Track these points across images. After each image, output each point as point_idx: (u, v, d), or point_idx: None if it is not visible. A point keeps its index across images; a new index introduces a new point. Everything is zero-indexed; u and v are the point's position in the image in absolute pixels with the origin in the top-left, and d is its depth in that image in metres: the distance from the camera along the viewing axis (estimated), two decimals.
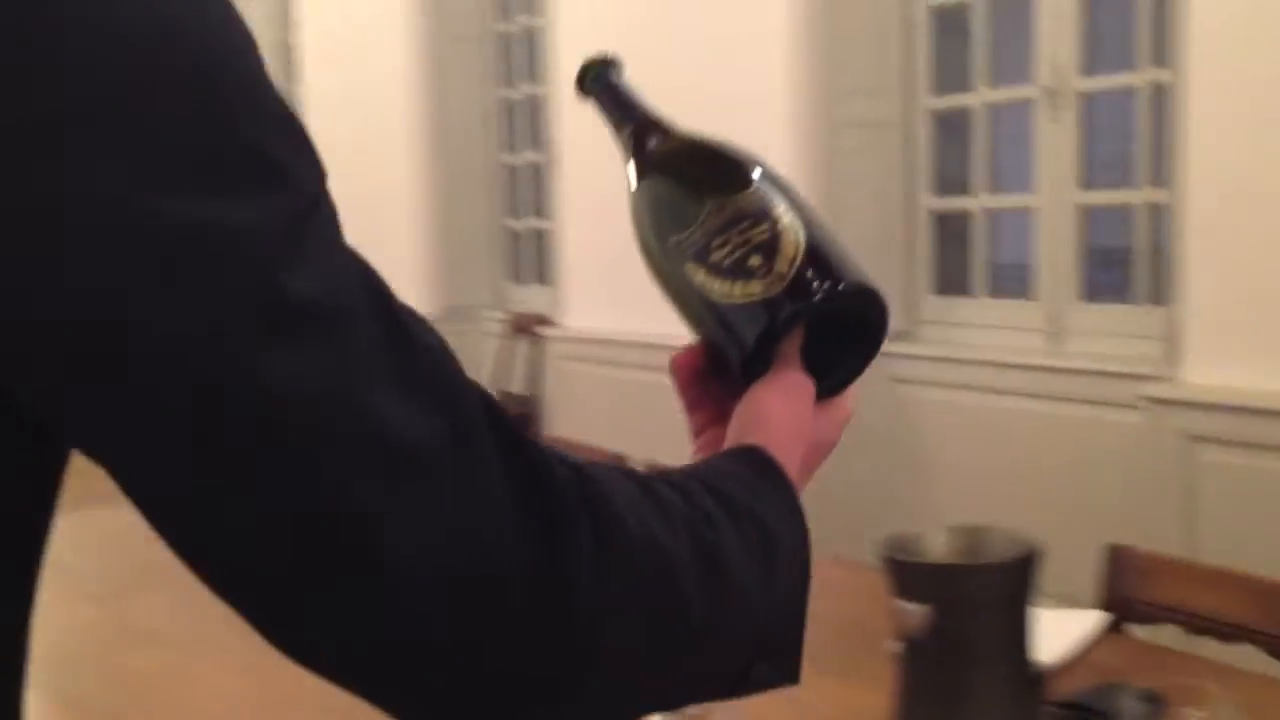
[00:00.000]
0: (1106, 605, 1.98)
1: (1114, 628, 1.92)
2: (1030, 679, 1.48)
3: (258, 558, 0.55)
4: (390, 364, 0.56)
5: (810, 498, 0.82)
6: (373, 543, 0.54)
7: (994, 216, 4.14)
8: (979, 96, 4.08)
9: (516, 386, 5.72)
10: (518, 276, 6.35)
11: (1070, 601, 1.99)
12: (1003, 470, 3.75)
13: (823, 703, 1.68)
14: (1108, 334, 3.73)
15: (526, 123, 6.10)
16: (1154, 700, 1.57)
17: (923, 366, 4.01)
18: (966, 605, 1.44)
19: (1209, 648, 1.92)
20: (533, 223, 6.13)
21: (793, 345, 0.85)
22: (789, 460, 0.80)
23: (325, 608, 0.56)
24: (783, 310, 0.83)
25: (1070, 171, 3.79)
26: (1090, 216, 3.82)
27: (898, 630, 1.47)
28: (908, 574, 1.45)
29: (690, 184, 0.90)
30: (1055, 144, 3.81)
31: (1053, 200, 3.84)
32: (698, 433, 0.89)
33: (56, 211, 0.50)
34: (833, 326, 0.87)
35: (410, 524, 0.55)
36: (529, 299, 6.09)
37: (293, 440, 0.53)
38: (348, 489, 0.54)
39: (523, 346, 5.73)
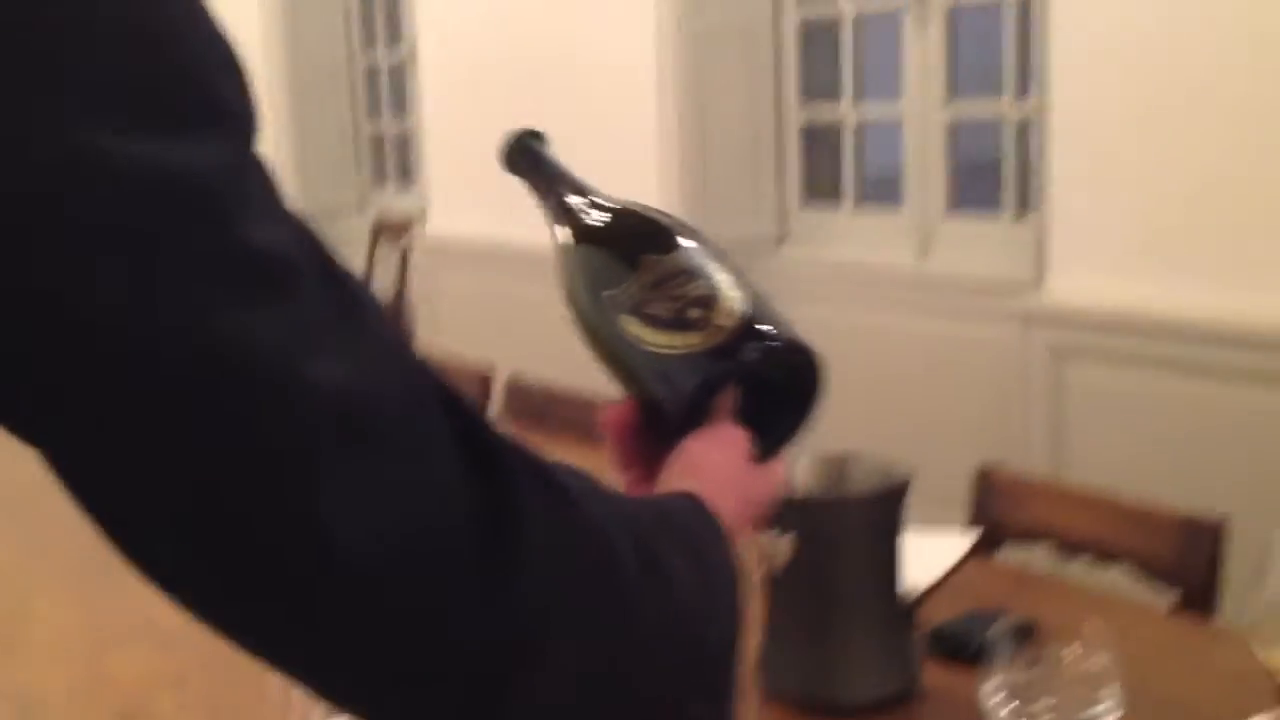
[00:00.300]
0: (975, 522, 1.92)
1: (985, 551, 1.86)
2: (899, 613, 1.41)
3: (190, 527, 0.52)
4: (337, 330, 0.54)
5: None
6: (310, 510, 0.52)
7: (863, 128, 4.07)
8: (848, 6, 3.99)
9: (383, 293, 5.56)
10: (382, 180, 6.17)
11: (940, 524, 1.93)
12: (871, 386, 3.70)
13: None
14: (976, 247, 3.70)
15: (384, 18, 5.90)
16: (1025, 630, 1.51)
17: (792, 277, 3.94)
18: (831, 539, 1.36)
19: (1080, 570, 1.88)
20: (395, 124, 5.96)
21: (727, 402, 0.85)
22: (720, 509, 0.78)
23: (254, 577, 0.53)
24: (723, 360, 0.83)
25: (939, 83, 3.73)
26: (958, 128, 3.77)
27: (761, 563, 1.38)
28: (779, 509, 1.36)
29: (623, 244, 0.91)
30: (923, 55, 3.74)
31: (921, 111, 3.78)
32: (628, 490, 0.87)
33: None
34: (764, 388, 0.87)
35: (351, 494, 0.53)
36: (395, 203, 5.92)
37: (235, 403, 0.50)
38: (289, 455, 0.51)
39: (388, 252, 5.58)
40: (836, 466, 1.47)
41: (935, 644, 1.49)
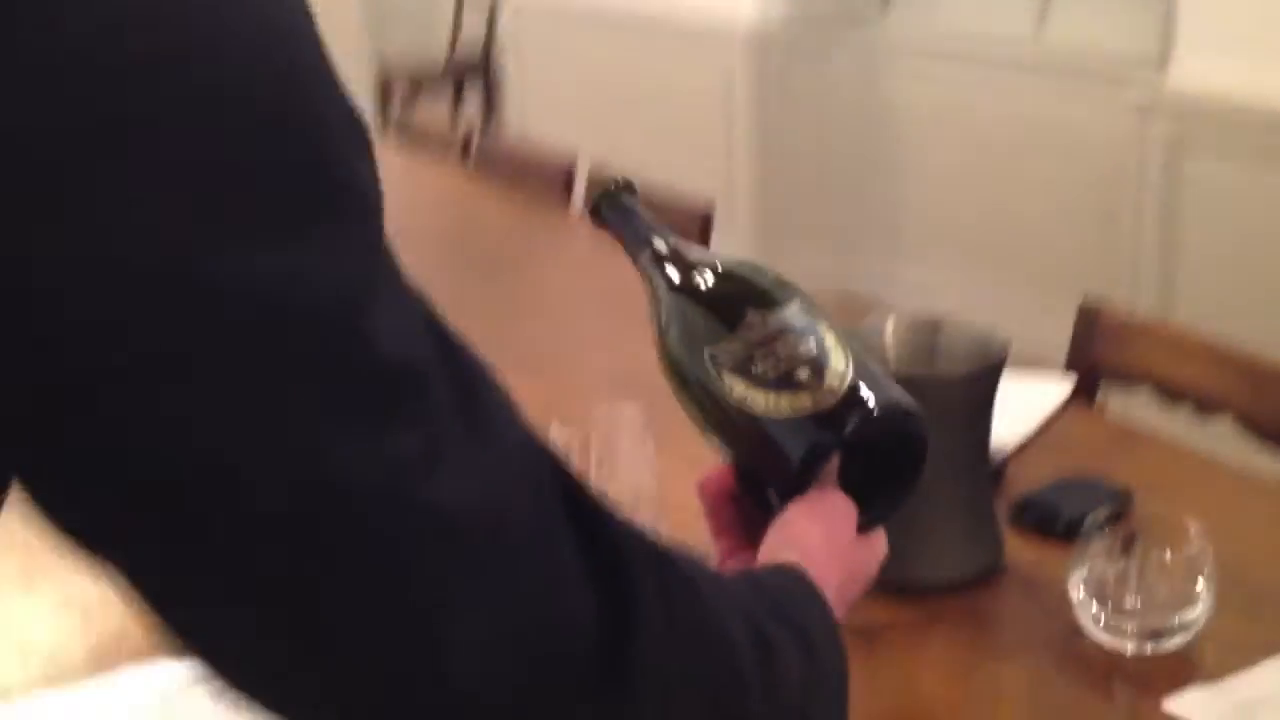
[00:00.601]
0: (1076, 369, 1.84)
1: (1083, 396, 1.79)
2: (985, 491, 1.35)
3: (315, 658, 0.50)
4: (465, 440, 0.51)
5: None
6: (435, 639, 0.51)
7: None
8: None
9: (466, 50, 5.44)
10: None
11: (1037, 361, 1.85)
12: (970, 176, 3.56)
13: None
14: (1099, 18, 3.47)
15: None
16: (1121, 500, 1.46)
17: (896, 48, 3.75)
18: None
19: (1182, 421, 1.80)
20: None
21: (831, 470, 0.82)
22: (824, 583, 0.76)
23: (379, 706, 0.52)
24: (834, 425, 0.80)
25: None
26: None
27: None
28: None
29: (726, 299, 0.87)
30: None
31: None
32: (724, 558, 0.84)
33: (117, 261, 0.43)
34: (869, 456, 0.84)
35: (478, 623, 0.51)
36: None
37: (357, 532, 0.48)
38: (415, 583, 0.50)
39: (473, 12, 5.44)
40: (928, 333, 1.40)
41: (1022, 516, 1.44)
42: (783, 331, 0.84)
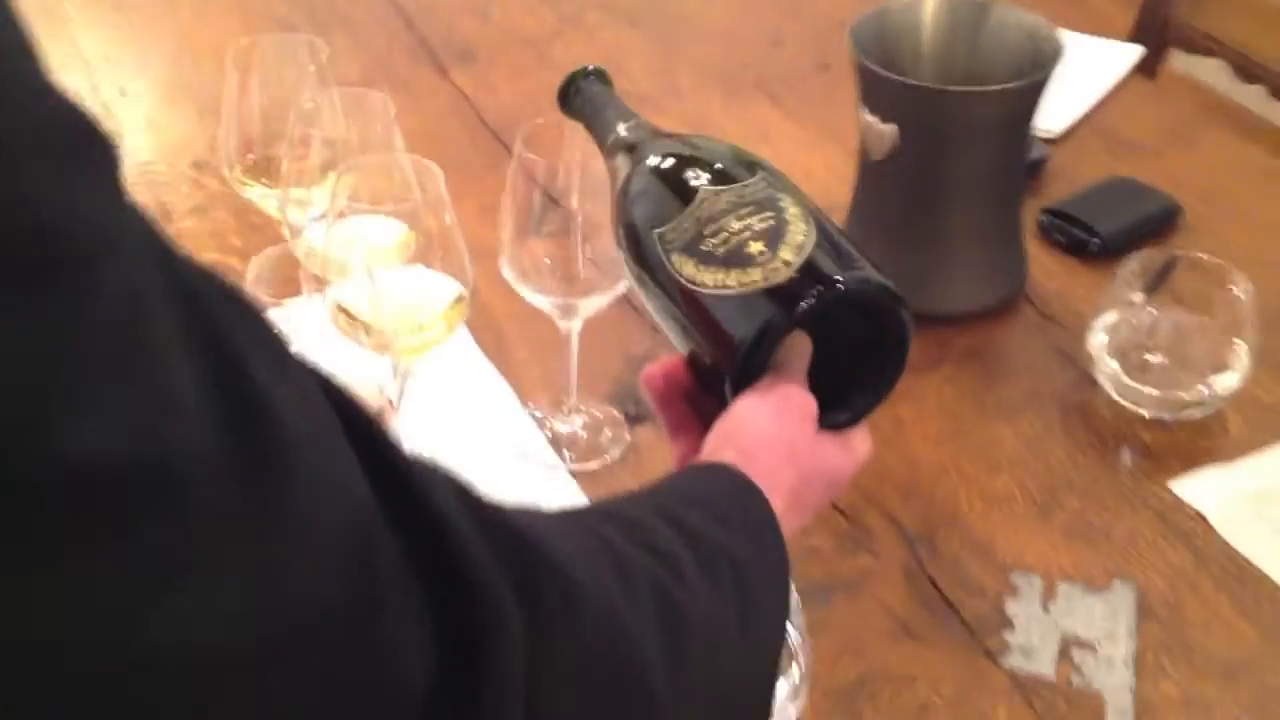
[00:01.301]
0: (1144, 31, 1.62)
1: (1147, 66, 1.58)
2: (1014, 213, 1.20)
3: None
4: (252, 534, 0.37)
5: None
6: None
7: None
8: None
9: None
10: None
11: (1102, 22, 1.63)
12: None
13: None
14: None
15: None
16: (1165, 218, 1.30)
17: None
18: (948, 134, 1.12)
19: (1255, 98, 1.60)
20: None
21: (795, 356, 0.72)
22: (771, 484, 0.67)
23: None
24: (787, 302, 0.70)
25: None
26: None
27: (863, 144, 1.16)
28: (876, 87, 1.12)
29: (682, 179, 0.78)
30: None
31: None
32: (681, 461, 0.74)
33: None
34: (841, 343, 0.75)
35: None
36: None
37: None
38: None
39: None
40: (972, 16, 1.20)
41: (1053, 227, 1.29)
42: (737, 206, 0.74)
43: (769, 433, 0.70)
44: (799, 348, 0.73)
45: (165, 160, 1.37)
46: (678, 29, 1.63)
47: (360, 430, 0.43)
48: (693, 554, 0.59)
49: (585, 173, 0.96)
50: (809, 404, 0.72)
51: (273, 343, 0.40)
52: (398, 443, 0.45)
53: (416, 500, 0.44)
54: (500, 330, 1.16)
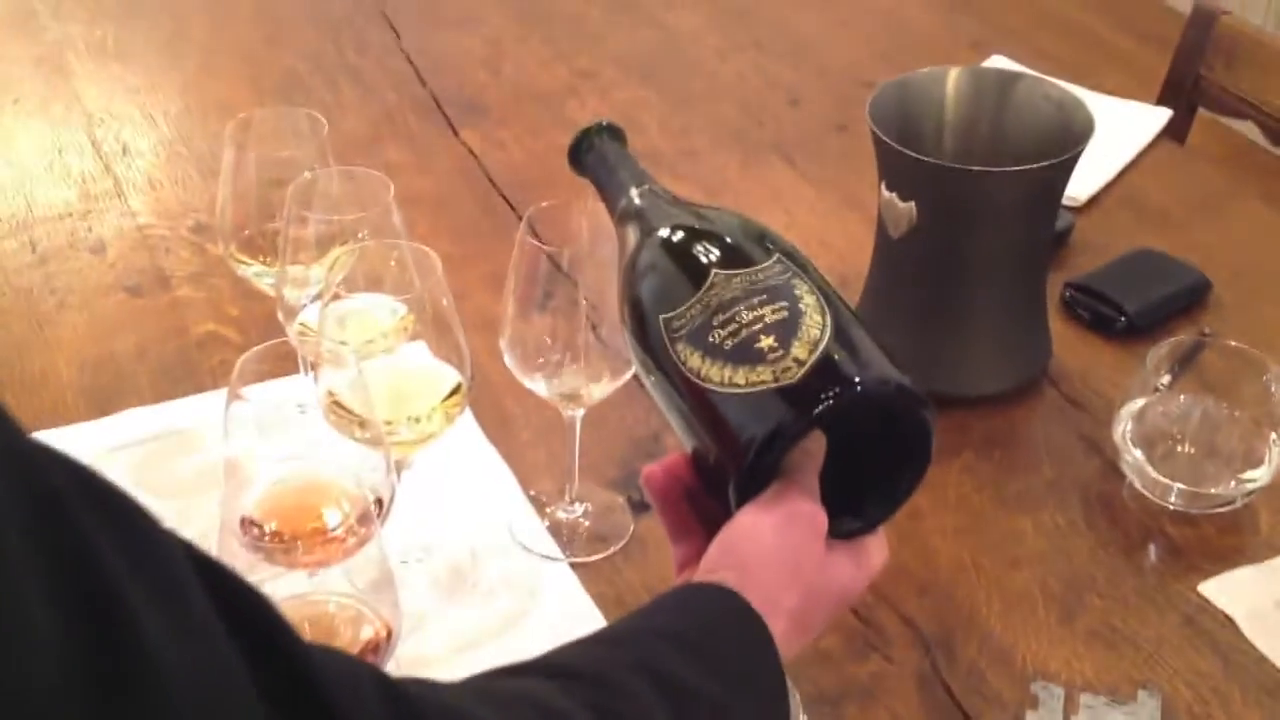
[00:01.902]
0: (1173, 91, 1.58)
1: (1177, 125, 1.54)
2: (1037, 291, 1.16)
3: None
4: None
5: None
6: None
7: None
8: None
9: None
10: None
11: (1131, 83, 1.59)
12: None
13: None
14: None
15: None
16: (1195, 291, 1.26)
17: None
18: (972, 213, 1.08)
19: None
20: None
21: (806, 461, 0.67)
22: (773, 606, 0.63)
23: None
24: (800, 403, 0.65)
25: None
26: None
27: (881, 220, 1.12)
28: (895, 164, 1.08)
29: (693, 254, 0.74)
30: None
31: None
32: (681, 566, 0.71)
33: None
34: (858, 446, 0.70)
35: None
36: None
37: None
38: None
39: None
40: (997, 88, 1.16)
41: (1077, 303, 1.24)
42: (749, 293, 0.69)
43: (773, 549, 0.66)
44: (810, 452, 0.69)
45: (165, 223, 1.34)
46: (694, 86, 1.60)
47: (257, 629, 0.39)
48: (670, 714, 0.55)
49: (595, 254, 0.92)
50: (818, 518, 0.68)
51: (149, 554, 0.36)
52: (300, 643, 0.41)
53: (317, 702, 0.40)
54: (503, 409, 1.12)
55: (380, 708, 0.43)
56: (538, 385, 0.96)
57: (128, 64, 1.61)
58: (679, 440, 0.74)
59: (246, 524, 0.81)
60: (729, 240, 0.74)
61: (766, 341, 0.67)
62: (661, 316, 0.71)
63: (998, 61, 1.58)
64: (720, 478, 0.68)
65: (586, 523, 1.03)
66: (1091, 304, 1.24)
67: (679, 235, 0.76)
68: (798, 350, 0.66)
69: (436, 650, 0.93)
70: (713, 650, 0.61)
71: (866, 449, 0.72)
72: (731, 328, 0.68)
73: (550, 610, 0.96)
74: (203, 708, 0.35)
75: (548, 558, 1.00)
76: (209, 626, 0.37)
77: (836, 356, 0.67)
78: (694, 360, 0.68)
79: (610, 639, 0.61)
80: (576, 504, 1.03)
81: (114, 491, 0.36)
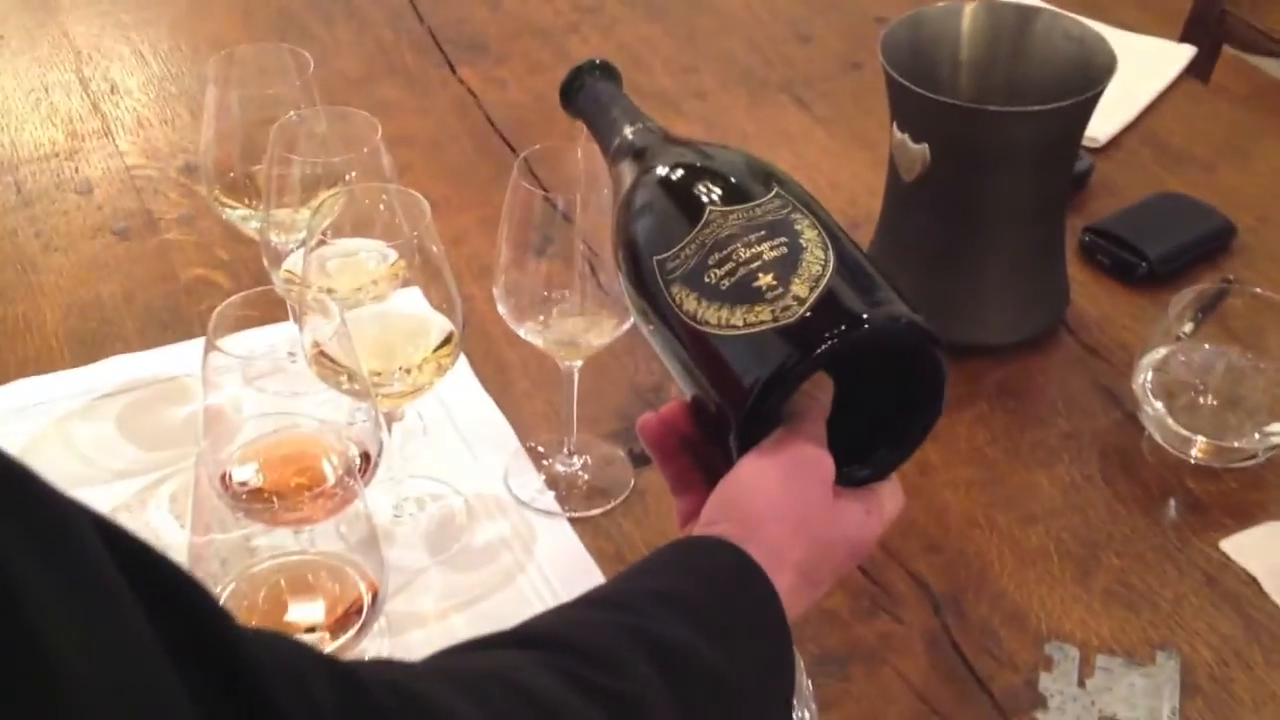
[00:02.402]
0: (1196, 24, 1.52)
1: (1201, 64, 1.48)
2: (1055, 236, 1.11)
3: None
4: None
5: None
6: None
7: None
8: None
9: None
10: None
11: (1152, 18, 1.54)
12: None
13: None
14: None
15: None
16: (1219, 234, 1.21)
17: None
18: (987, 155, 1.03)
19: None
20: None
21: (811, 405, 0.64)
22: (779, 560, 0.60)
23: None
24: (801, 343, 0.62)
25: None
26: None
27: (893, 162, 1.08)
28: (907, 103, 1.03)
29: (689, 190, 0.70)
30: None
31: None
32: (685, 519, 0.67)
33: None
34: (866, 389, 0.67)
35: None
36: None
37: None
38: None
39: None
40: (1015, 25, 1.11)
41: (1097, 248, 1.20)
42: (747, 230, 0.65)
43: (777, 499, 0.62)
44: (815, 395, 0.65)
45: (155, 164, 1.30)
46: (701, 22, 1.55)
47: (182, 616, 0.35)
48: (667, 684, 0.52)
49: (592, 196, 0.88)
50: (825, 464, 0.64)
51: (50, 530, 0.32)
52: (234, 630, 0.37)
53: (257, 698, 0.37)
54: (500, 358, 1.09)
55: (330, 700, 0.39)
56: (533, 335, 0.92)
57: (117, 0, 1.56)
58: (680, 390, 0.70)
59: (227, 479, 0.78)
60: (726, 176, 0.70)
61: (765, 279, 0.63)
62: (656, 258, 0.68)
63: None
64: (721, 426, 0.65)
65: (585, 476, 1.00)
66: (1111, 249, 1.19)
67: (675, 172, 0.72)
68: (797, 288, 0.62)
69: (428, 608, 0.90)
70: (713, 611, 0.58)
71: (876, 392, 0.68)
72: (728, 267, 0.64)
73: (547, 567, 0.93)
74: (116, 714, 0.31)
75: (545, 512, 0.97)
76: (123, 615, 0.33)
77: (840, 293, 0.63)
78: (689, 302, 0.65)
79: (601, 601, 0.58)
80: (575, 457, 1.00)
81: (6, 461, 0.32)
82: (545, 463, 1.00)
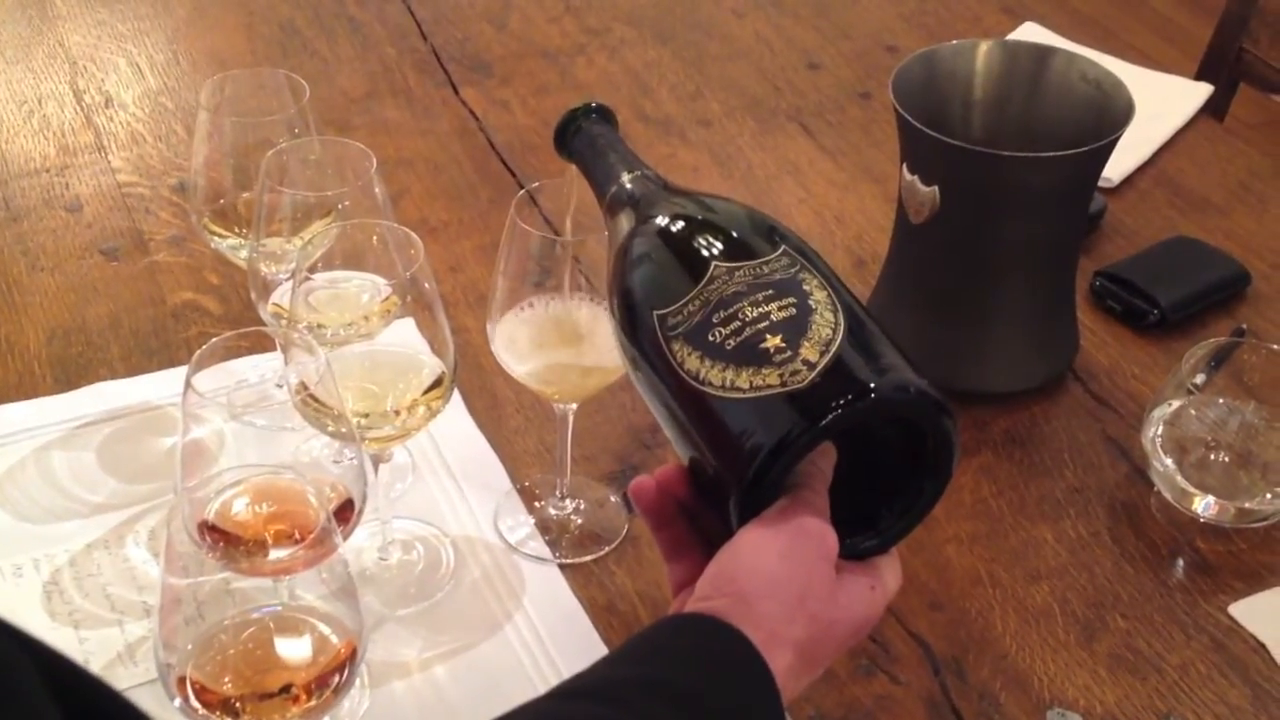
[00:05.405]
0: (1216, 58, 1.50)
1: (1217, 102, 1.46)
2: (1063, 296, 1.08)
3: None
4: None
5: None
6: None
7: None
8: None
9: None
10: None
11: (1171, 49, 1.51)
12: None
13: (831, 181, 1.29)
14: None
15: None
16: (1233, 282, 1.18)
17: None
18: (999, 198, 1.01)
19: None
20: None
21: (815, 474, 0.62)
22: (776, 640, 0.58)
23: None
24: (809, 411, 0.59)
25: None
26: None
27: (902, 203, 1.05)
28: (918, 144, 1.01)
29: (691, 243, 0.67)
30: None
31: None
32: (678, 587, 0.65)
33: None
34: (873, 456, 0.65)
35: None
36: None
37: None
38: None
39: None
40: (1030, 64, 1.08)
41: (1107, 293, 1.17)
42: (753, 288, 0.62)
43: (777, 575, 0.59)
44: (820, 464, 0.63)
45: (147, 181, 1.27)
46: (710, 47, 1.52)
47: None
48: None
49: (594, 235, 0.85)
50: (827, 539, 0.61)
51: None
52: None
53: None
54: (494, 392, 1.06)
55: None
56: (529, 379, 0.89)
57: (114, 8, 1.53)
58: (675, 450, 0.67)
59: (204, 525, 0.75)
60: (731, 230, 0.68)
61: (773, 341, 0.61)
62: (656, 312, 0.65)
63: (1030, 30, 1.50)
64: (720, 492, 0.62)
65: (578, 520, 0.97)
66: (1122, 295, 1.16)
67: (676, 224, 0.69)
68: (807, 351, 0.60)
69: (410, 657, 0.87)
70: (705, 698, 0.55)
71: (882, 460, 0.66)
72: (734, 325, 0.62)
73: (535, 616, 0.90)
74: None
75: (535, 558, 0.94)
76: None
77: (850, 359, 0.60)
78: (692, 361, 0.62)
79: (586, 693, 0.55)
80: (568, 500, 0.97)
81: None
82: (537, 504, 0.97)
